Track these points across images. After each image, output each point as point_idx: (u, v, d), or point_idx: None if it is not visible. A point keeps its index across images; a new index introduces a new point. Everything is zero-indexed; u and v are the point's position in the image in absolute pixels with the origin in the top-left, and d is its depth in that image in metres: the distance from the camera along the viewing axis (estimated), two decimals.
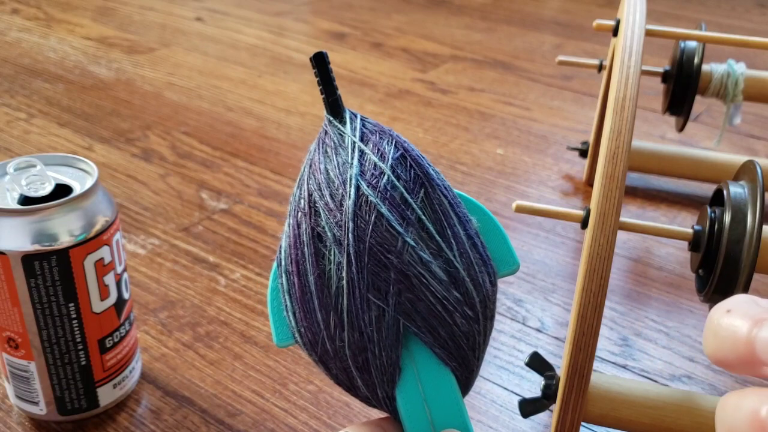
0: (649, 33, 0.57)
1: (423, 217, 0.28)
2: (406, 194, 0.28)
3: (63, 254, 0.40)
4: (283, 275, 0.29)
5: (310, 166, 0.29)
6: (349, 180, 0.28)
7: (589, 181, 0.74)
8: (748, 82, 0.66)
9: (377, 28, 1.18)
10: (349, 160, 0.28)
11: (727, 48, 1.02)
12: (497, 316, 0.56)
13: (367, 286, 0.27)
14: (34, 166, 0.43)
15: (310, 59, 0.29)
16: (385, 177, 0.28)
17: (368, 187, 0.28)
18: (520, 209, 0.44)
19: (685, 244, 0.43)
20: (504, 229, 0.30)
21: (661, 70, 0.67)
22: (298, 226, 0.29)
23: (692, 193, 0.74)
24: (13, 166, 0.43)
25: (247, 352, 0.52)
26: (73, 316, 0.42)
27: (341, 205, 0.28)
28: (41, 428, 0.46)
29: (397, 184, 0.28)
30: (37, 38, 1.10)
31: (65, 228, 0.40)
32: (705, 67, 0.66)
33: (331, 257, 0.28)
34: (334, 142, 0.29)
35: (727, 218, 0.39)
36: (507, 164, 0.78)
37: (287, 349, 0.52)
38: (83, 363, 0.44)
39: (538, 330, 0.55)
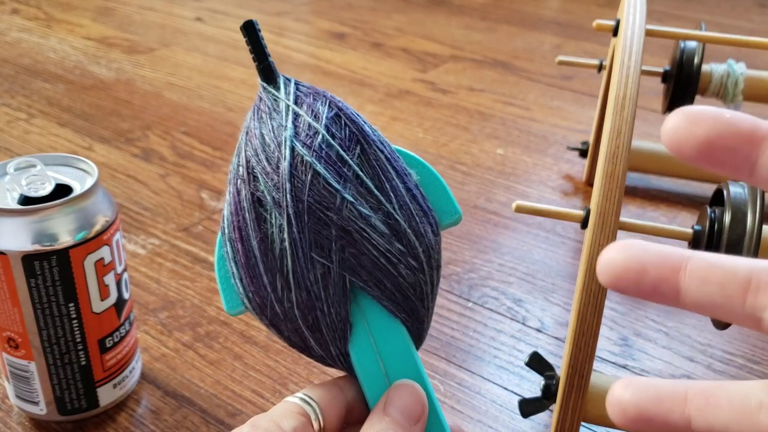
0: (649, 33, 0.57)
1: (360, 173, 0.28)
2: (341, 152, 0.28)
3: (63, 254, 0.40)
4: (227, 243, 0.29)
5: (247, 133, 0.29)
6: (284, 142, 0.28)
7: (589, 181, 0.74)
8: (748, 82, 0.66)
9: (377, 28, 1.18)
10: (284, 123, 0.28)
11: (727, 48, 1.02)
12: (497, 316, 0.56)
13: (309, 245, 0.27)
14: (34, 166, 0.43)
15: (240, 28, 0.29)
16: (320, 136, 0.28)
17: (303, 147, 0.28)
18: (520, 209, 0.44)
19: (685, 244, 0.43)
20: (444, 180, 0.31)
21: (661, 70, 0.67)
22: (238, 193, 0.29)
23: (692, 193, 0.74)
24: (13, 166, 0.43)
25: (247, 352, 0.52)
26: (73, 316, 0.42)
27: (278, 167, 0.28)
28: (41, 428, 0.46)
29: (333, 142, 0.28)
30: (37, 38, 1.10)
31: (65, 228, 0.40)
32: (705, 67, 0.66)
33: (273, 220, 0.28)
34: (269, 107, 0.29)
35: (727, 218, 0.39)
36: (507, 164, 0.78)
37: (287, 350, 0.52)
38: (83, 363, 0.44)
39: (538, 330, 0.55)
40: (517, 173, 0.77)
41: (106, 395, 0.45)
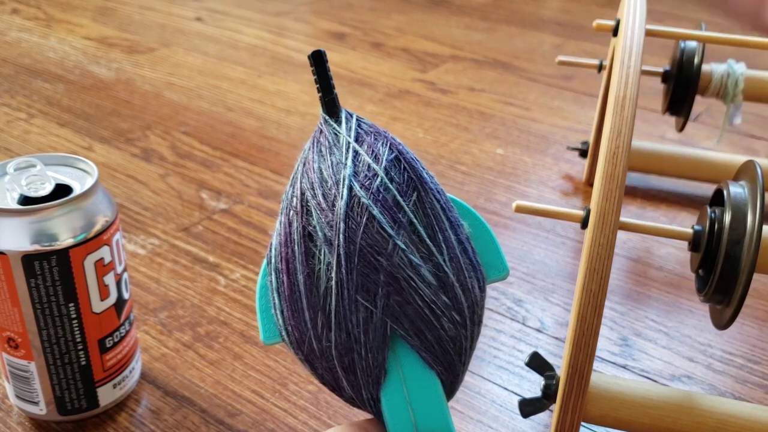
0: (649, 33, 0.57)
1: (414, 220, 0.28)
2: (398, 197, 0.28)
3: (63, 254, 0.40)
4: (273, 273, 0.29)
5: (304, 164, 0.29)
6: (342, 180, 0.28)
7: (589, 181, 0.74)
8: (748, 82, 0.66)
9: (377, 28, 1.18)
10: (343, 161, 0.28)
11: (727, 48, 1.02)
12: (497, 316, 0.56)
13: (356, 288, 0.27)
14: (34, 166, 0.43)
15: (309, 57, 0.29)
16: (379, 179, 0.28)
17: (361, 188, 0.28)
18: (520, 209, 0.44)
19: (685, 244, 0.43)
20: (495, 235, 0.31)
21: (661, 70, 0.67)
22: (290, 224, 0.29)
23: (692, 193, 0.74)
24: (13, 166, 0.43)
25: (247, 352, 0.52)
26: (73, 316, 0.42)
27: (333, 205, 0.28)
28: (41, 428, 0.46)
29: (390, 186, 0.28)
30: (37, 38, 1.10)
31: (65, 228, 0.40)
32: (705, 67, 0.66)
33: (321, 257, 0.27)
34: (329, 142, 0.29)
35: (727, 218, 0.39)
36: (507, 164, 0.78)
37: (287, 350, 0.52)
38: (83, 363, 0.44)
39: (538, 330, 0.55)
40: (517, 173, 0.77)
41: (106, 395, 0.45)
